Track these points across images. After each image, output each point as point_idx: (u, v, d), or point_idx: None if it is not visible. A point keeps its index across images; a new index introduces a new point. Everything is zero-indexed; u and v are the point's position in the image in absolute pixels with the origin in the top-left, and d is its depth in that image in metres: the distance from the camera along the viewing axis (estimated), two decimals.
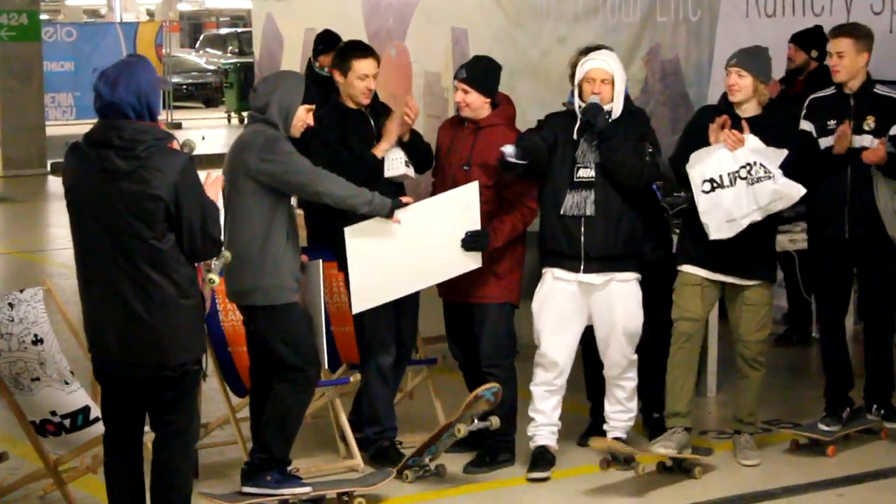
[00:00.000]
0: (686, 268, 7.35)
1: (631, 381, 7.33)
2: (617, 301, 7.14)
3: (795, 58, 9.46)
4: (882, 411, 7.81)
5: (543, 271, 7.25)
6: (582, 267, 7.11)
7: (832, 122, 7.54)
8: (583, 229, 7.08)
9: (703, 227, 7.15)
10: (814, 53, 9.36)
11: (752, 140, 7.13)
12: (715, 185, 7.14)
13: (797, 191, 7.12)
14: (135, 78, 5.59)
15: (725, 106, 7.33)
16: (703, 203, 7.17)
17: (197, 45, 37.54)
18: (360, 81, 7.29)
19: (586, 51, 7.48)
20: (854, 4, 9.60)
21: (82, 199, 5.63)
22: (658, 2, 11.22)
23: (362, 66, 7.28)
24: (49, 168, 21.51)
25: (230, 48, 35.74)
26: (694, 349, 7.37)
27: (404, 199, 6.97)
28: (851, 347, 8.24)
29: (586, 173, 7.12)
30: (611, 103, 7.10)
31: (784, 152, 7.13)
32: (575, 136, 7.15)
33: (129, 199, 5.51)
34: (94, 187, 5.57)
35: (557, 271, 7.18)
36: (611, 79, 7.11)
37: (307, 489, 6.74)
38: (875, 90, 7.61)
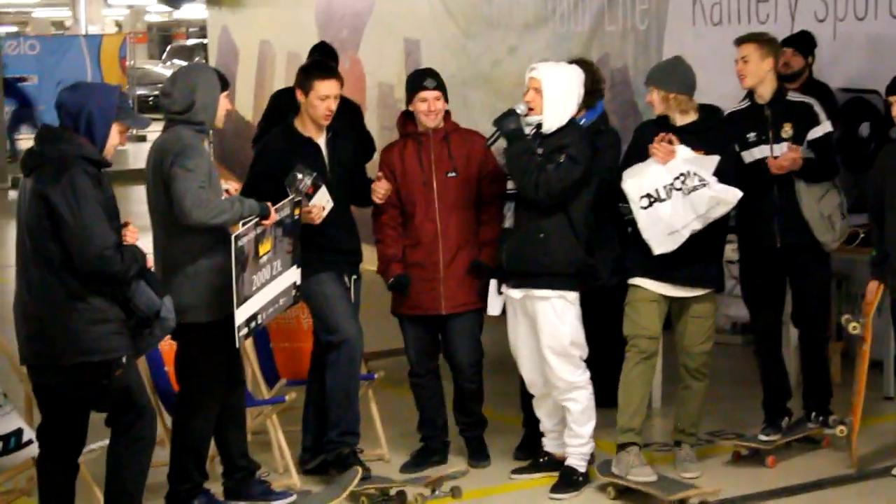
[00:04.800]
0: (640, 281, 7.25)
1: (576, 404, 7.13)
2: (539, 319, 7.09)
3: (793, 62, 8.92)
4: (820, 418, 7.78)
5: None
6: (511, 282, 7.14)
7: (752, 135, 7.55)
8: (505, 242, 7.11)
9: (646, 243, 7.12)
10: (810, 60, 9.05)
11: (682, 150, 7.10)
12: (652, 199, 7.09)
13: (734, 195, 7.08)
14: (88, 95, 5.82)
15: (662, 119, 7.31)
16: (644, 219, 7.12)
17: (164, 57, 37.38)
18: (320, 102, 7.19)
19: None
20: (798, 12, 9.61)
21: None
22: (606, 11, 11.21)
23: (324, 87, 7.18)
24: (10, 182, 21.40)
25: (197, 59, 35.59)
26: (652, 366, 7.33)
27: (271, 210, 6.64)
28: (795, 357, 8.23)
29: (511, 184, 7.14)
30: (541, 115, 7.05)
31: (716, 158, 7.09)
32: None
33: (31, 194, 5.77)
34: (22, 184, 5.91)
35: (503, 286, 7.23)
36: (541, 87, 7.03)
37: None
38: (788, 97, 7.63)
